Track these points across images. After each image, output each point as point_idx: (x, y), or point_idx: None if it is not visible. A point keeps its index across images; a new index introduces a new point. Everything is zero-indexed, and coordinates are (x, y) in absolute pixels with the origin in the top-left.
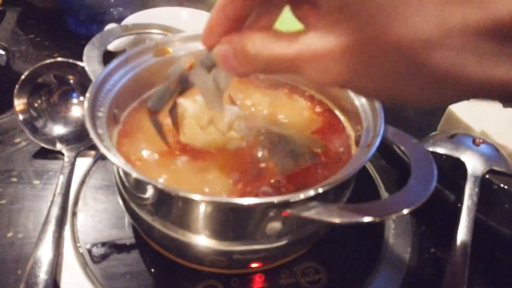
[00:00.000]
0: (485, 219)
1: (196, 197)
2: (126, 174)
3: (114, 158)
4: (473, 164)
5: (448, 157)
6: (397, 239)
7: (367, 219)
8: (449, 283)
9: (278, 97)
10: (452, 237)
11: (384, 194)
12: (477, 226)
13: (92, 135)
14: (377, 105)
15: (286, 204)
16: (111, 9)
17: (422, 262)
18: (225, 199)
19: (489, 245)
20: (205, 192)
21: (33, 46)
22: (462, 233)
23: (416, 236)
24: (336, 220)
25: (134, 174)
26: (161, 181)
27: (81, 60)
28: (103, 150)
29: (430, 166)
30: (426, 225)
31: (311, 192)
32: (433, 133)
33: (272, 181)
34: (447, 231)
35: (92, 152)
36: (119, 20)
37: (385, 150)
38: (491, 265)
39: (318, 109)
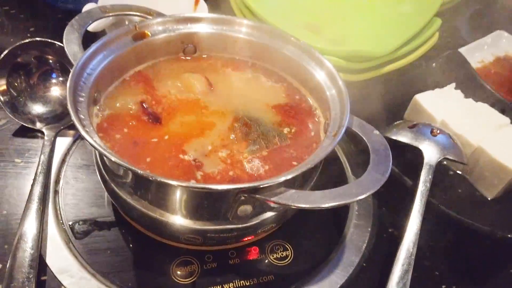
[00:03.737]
0: (437, 203)
1: (172, 182)
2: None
3: (99, 146)
4: (430, 153)
5: (408, 145)
6: (359, 220)
7: (329, 204)
8: (401, 258)
9: (253, 80)
10: (406, 219)
11: (350, 175)
12: (429, 210)
13: (76, 123)
14: (345, 96)
15: (255, 190)
16: None
17: (380, 240)
18: (199, 185)
19: (438, 226)
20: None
21: (8, 18)
22: (415, 216)
23: (376, 217)
24: (302, 205)
25: (119, 162)
26: (141, 166)
27: (57, 34)
28: (87, 138)
29: (386, 157)
30: (386, 207)
31: (280, 179)
32: (397, 122)
33: (244, 161)
34: (404, 213)
35: (72, 132)
36: None
37: (353, 135)
38: (439, 243)
39: (292, 94)
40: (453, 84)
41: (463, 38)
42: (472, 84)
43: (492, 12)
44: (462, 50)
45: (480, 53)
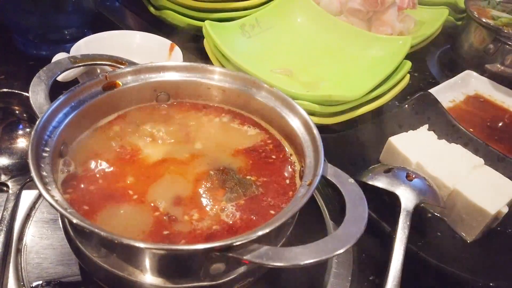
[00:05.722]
0: (416, 249)
1: (138, 244)
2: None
3: (59, 207)
4: (406, 198)
5: (385, 190)
6: (339, 268)
7: (305, 262)
8: None
9: (228, 127)
10: (386, 267)
11: (328, 221)
12: (409, 257)
13: (36, 180)
14: (319, 145)
15: (227, 248)
16: (63, 29)
17: None
18: (166, 246)
19: (419, 274)
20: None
21: None
22: (395, 264)
23: (356, 264)
24: (278, 264)
25: (80, 224)
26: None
27: (29, 82)
28: (47, 197)
29: (362, 208)
30: (366, 253)
31: (253, 235)
32: (373, 166)
33: (220, 211)
34: (384, 258)
35: None
36: (71, 40)
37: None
38: None
39: (267, 140)
40: (426, 126)
41: (434, 78)
42: (444, 125)
43: (460, 52)
44: (433, 90)
45: (451, 93)
